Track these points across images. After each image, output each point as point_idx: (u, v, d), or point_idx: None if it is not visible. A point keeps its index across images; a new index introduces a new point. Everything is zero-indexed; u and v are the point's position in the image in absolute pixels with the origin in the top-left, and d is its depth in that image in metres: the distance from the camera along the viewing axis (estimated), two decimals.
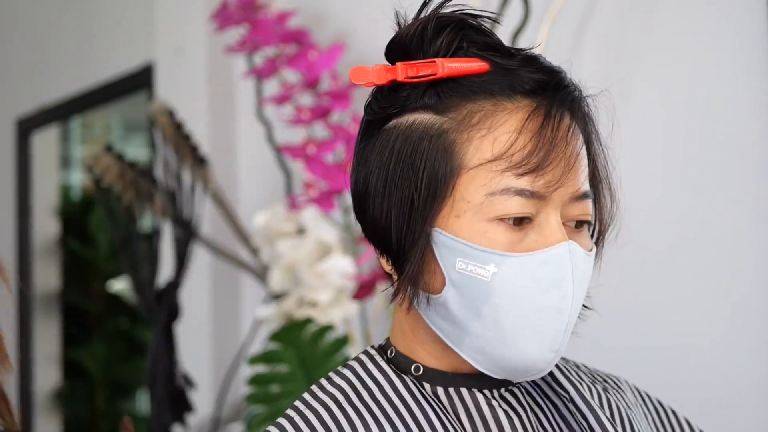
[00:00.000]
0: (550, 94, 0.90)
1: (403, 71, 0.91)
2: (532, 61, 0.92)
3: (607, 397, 1.01)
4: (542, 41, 1.66)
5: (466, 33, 0.92)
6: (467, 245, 0.88)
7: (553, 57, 0.97)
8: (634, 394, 1.05)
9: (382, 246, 0.93)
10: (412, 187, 0.90)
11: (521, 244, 0.88)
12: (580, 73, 0.98)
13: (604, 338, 1.64)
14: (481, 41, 0.92)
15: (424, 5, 0.94)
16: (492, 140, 0.88)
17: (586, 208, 0.92)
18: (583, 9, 1.76)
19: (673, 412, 1.07)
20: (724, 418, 1.56)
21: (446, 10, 0.93)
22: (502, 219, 0.88)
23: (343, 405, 0.93)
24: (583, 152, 0.92)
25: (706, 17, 1.63)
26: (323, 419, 0.92)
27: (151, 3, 2.72)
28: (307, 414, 0.92)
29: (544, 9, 1.73)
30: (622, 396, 1.03)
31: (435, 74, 0.90)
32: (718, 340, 1.60)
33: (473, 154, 0.89)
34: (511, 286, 0.88)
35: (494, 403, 0.93)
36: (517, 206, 0.88)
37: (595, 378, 1.04)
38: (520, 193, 0.88)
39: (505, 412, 0.93)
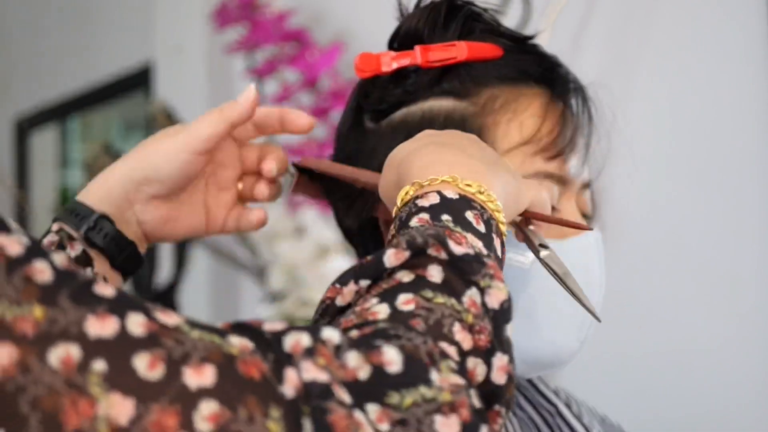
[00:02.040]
0: (561, 82, 0.89)
1: (422, 55, 0.87)
2: (536, 48, 0.92)
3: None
4: (542, 41, 1.66)
5: (478, 18, 0.90)
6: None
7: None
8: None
9: None
10: None
11: (547, 232, 0.86)
12: (580, 72, 0.98)
13: (603, 339, 1.63)
14: (492, 27, 0.90)
15: None
16: (518, 124, 0.86)
17: (587, 200, 0.91)
18: (583, 9, 1.76)
19: None
20: (724, 419, 1.56)
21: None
22: None
23: None
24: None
25: (707, 16, 1.63)
26: None
27: (150, 2, 2.72)
28: None
29: (544, 9, 1.73)
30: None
31: (456, 57, 0.87)
32: (719, 340, 1.60)
33: (502, 138, 0.86)
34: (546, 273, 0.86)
35: None
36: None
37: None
38: (550, 176, 0.86)
39: None
